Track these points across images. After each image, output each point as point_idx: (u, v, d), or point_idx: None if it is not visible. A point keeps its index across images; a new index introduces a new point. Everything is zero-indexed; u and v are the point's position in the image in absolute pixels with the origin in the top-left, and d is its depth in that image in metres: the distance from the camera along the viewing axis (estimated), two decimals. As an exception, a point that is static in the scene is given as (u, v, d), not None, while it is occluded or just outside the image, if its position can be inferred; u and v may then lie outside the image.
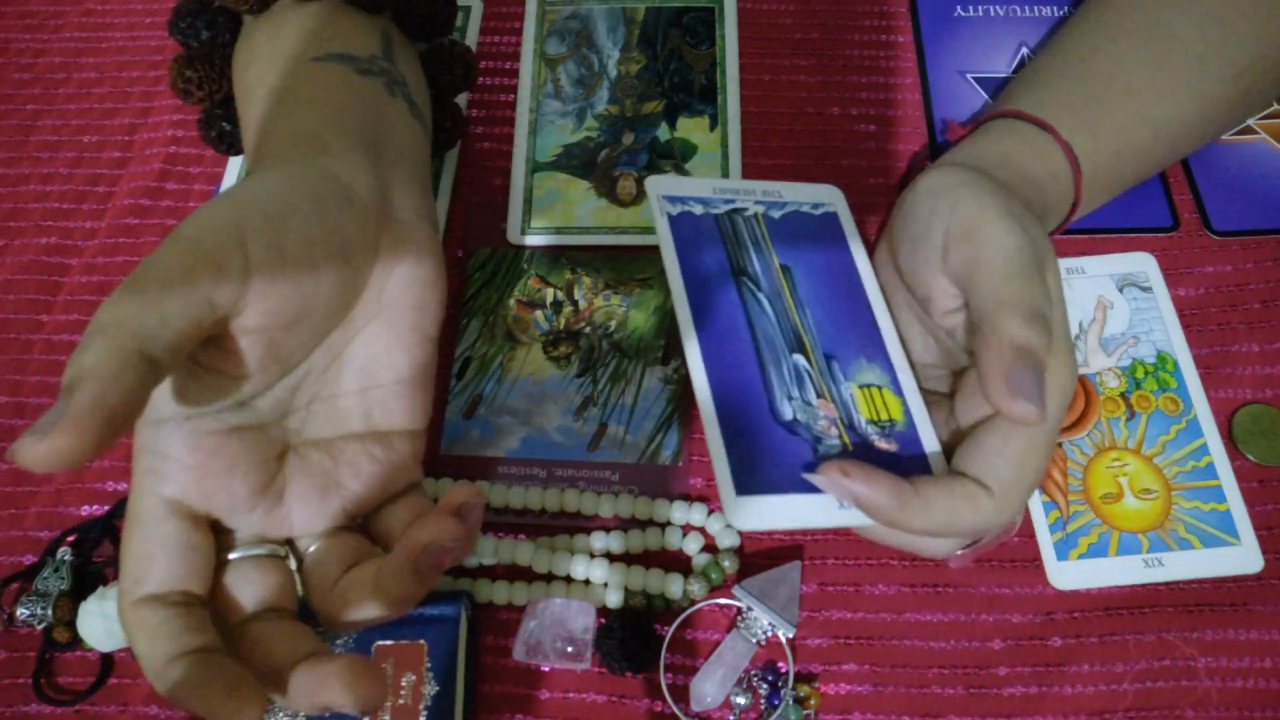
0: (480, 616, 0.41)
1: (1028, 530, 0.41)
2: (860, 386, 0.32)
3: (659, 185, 0.35)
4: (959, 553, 0.35)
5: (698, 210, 0.35)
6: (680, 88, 0.52)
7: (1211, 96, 0.42)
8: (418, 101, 0.40)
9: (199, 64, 0.41)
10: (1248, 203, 0.48)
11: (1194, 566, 0.40)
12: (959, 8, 0.55)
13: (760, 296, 0.33)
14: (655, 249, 0.37)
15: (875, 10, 0.55)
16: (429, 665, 0.37)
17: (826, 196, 0.36)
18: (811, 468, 0.30)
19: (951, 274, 0.33)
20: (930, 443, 0.32)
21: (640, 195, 0.49)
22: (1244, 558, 0.40)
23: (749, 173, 0.50)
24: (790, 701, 0.38)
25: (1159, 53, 0.41)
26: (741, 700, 0.38)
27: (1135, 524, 0.41)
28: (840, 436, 0.31)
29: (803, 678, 0.39)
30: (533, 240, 0.48)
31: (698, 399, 0.30)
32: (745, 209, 0.35)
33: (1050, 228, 0.40)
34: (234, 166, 0.51)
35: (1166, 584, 0.40)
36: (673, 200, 0.34)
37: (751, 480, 0.29)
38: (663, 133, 0.51)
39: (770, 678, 0.39)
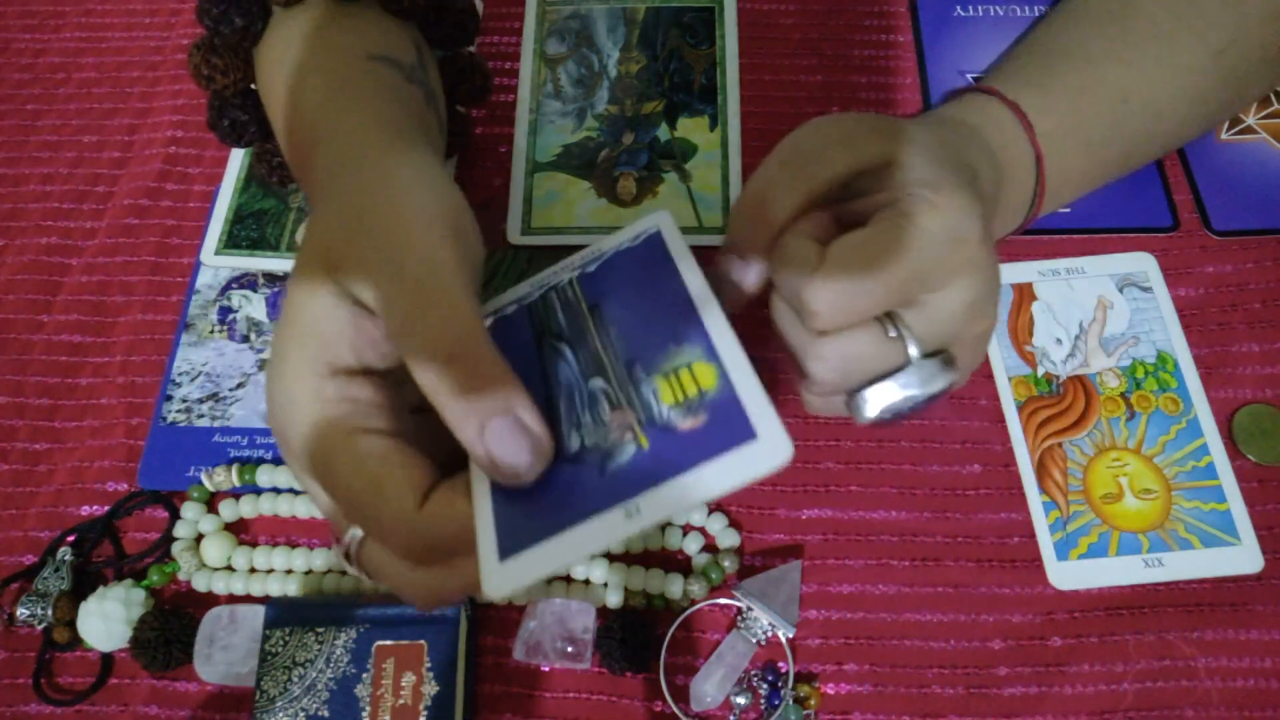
0: (480, 616, 0.41)
1: (1028, 530, 0.41)
2: (663, 375, 0.29)
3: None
4: (867, 395, 0.32)
5: (511, 310, 0.34)
6: (680, 88, 0.52)
7: (1188, 70, 0.42)
8: (442, 115, 0.41)
9: (224, 51, 0.41)
10: (1248, 203, 0.48)
11: (1194, 566, 0.40)
12: (959, 8, 0.55)
13: (560, 346, 0.32)
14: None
15: (875, 10, 0.55)
16: (429, 665, 0.37)
17: (647, 223, 0.35)
18: (594, 490, 0.28)
19: (793, 179, 0.33)
20: (749, 392, 0.28)
21: (640, 195, 0.49)
22: (1244, 558, 0.40)
23: (749, 173, 0.50)
24: (790, 701, 0.38)
25: (1122, 29, 0.42)
26: (741, 700, 0.38)
27: (1135, 524, 0.41)
28: (636, 439, 0.28)
29: (803, 678, 0.39)
30: (533, 240, 0.48)
31: (471, 475, 0.29)
32: (560, 281, 0.34)
33: (1015, 180, 0.40)
34: (234, 167, 0.51)
35: (1166, 584, 0.40)
36: (488, 316, 0.34)
37: (518, 537, 0.27)
38: (663, 133, 0.51)
39: (770, 678, 0.39)
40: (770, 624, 0.39)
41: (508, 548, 0.27)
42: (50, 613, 0.40)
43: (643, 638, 0.39)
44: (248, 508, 0.43)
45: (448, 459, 0.29)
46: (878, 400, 0.32)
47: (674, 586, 0.40)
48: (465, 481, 0.28)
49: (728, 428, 0.28)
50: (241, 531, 0.43)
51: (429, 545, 0.28)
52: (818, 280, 0.29)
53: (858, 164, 0.32)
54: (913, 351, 0.31)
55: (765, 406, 0.27)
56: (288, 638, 0.38)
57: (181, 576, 0.42)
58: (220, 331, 0.47)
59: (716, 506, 0.42)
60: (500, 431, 0.26)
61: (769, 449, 0.27)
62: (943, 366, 0.31)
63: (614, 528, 0.27)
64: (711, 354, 0.29)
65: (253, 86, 0.42)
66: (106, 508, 0.43)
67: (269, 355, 0.30)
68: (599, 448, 0.29)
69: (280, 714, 0.37)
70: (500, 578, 0.27)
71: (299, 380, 0.29)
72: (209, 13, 0.40)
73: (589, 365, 0.31)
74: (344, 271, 0.29)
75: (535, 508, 0.28)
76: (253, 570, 0.42)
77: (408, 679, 0.37)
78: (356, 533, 0.30)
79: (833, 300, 0.29)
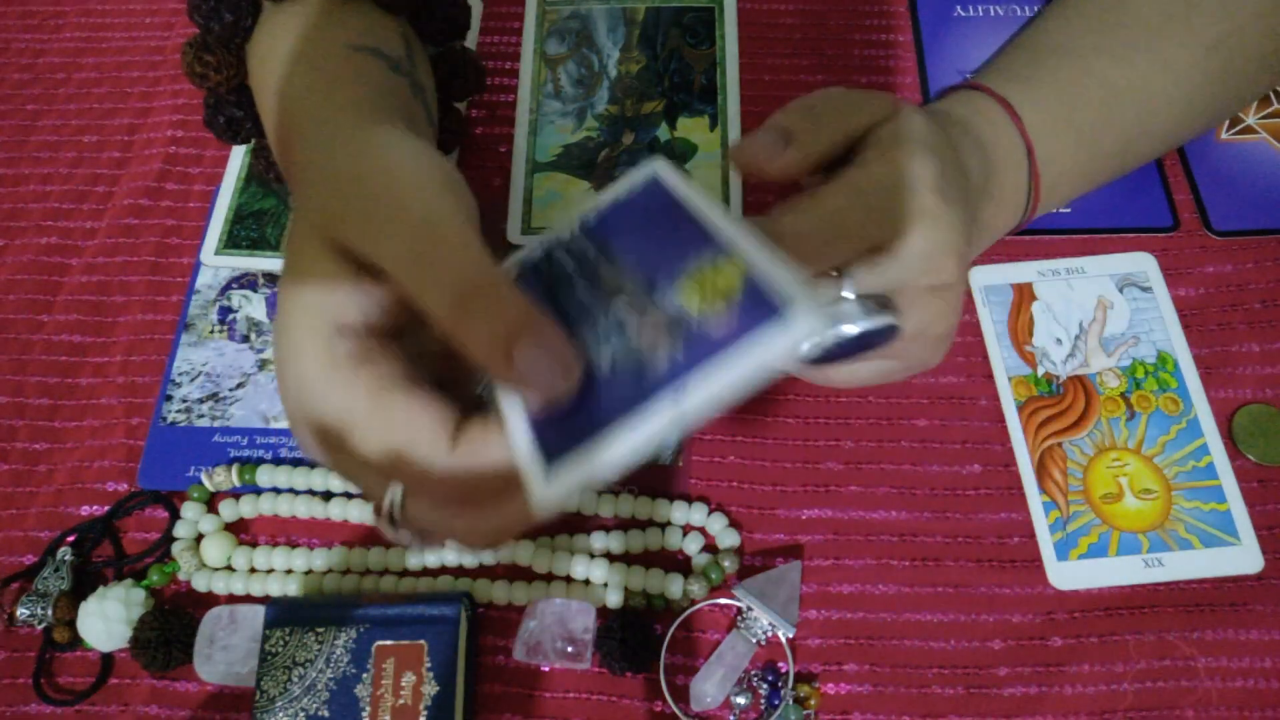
0: (480, 616, 0.41)
1: (1028, 530, 0.41)
2: (686, 279, 0.29)
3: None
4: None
5: (514, 272, 0.33)
6: (680, 88, 0.52)
7: (1181, 65, 0.42)
8: (431, 108, 0.41)
9: (216, 48, 0.41)
10: (1248, 203, 0.48)
11: (1194, 566, 0.40)
12: (959, 8, 0.55)
13: (574, 279, 0.31)
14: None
15: (875, 10, 0.55)
16: (429, 665, 0.37)
17: (646, 171, 0.34)
18: (633, 389, 0.27)
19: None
20: (769, 271, 0.28)
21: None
22: (1244, 558, 0.40)
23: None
24: (790, 701, 0.38)
25: (1113, 25, 0.42)
26: (741, 700, 0.38)
27: (1135, 524, 0.41)
28: (669, 342, 0.28)
29: (803, 678, 0.39)
30: (533, 240, 0.48)
31: (501, 407, 0.28)
32: (563, 238, 0.34)
33: (1007, 174, 0.40)
34: (234, 167, 0.51)
35: (1166, 584, 0.40)
36: (512, 264, 0.34)
37: (563, 440, 0.26)
38: (663, 133, 0.51)
39: (770, 678, 0.39)
40: (770, 624, 0.39)
41: (553, 453, 0.26)
42: (50, 613, 0.40)
43: (643, 638, 0.39)
44: (248, 508, 0.43)
45: (464, 404, 0.29)
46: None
47: (674, 586, 0.40)
48: (494, 415, 0.28)
49: (755, 311, 0.27)
50: (241, 531, 0.43)
51: (471, 485, 0.28)
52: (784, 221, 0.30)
53: (860, 126, 0.33)
54: (846, 292, 0.31)
55: (786, 278, 0.27)
56: (288, 638, 0.38)
57: (181, 576, 0.42)
58: (220, 331, 0.47)
59: (716, 506, 0.42)
60: (529, 354, 0.26)
61: (798, 319, 0.26)
62: (878, 308, 0.31)
63: (660, 415, 0.26)
64: (728, 250, 0.29)
65: (247, 83, 0.43)
66: (106, 508, 0.43)
67: (275, 336, 0.29)
68: (631, 358, 0.28)
69: (280, 714, 0.37)
70: (550, 485, 0.26)
71: (310, 347, 0.28)
72: (199, 9, 0.40)
73: (607, 290, 0.30)
74: (343, 233, 0.28)
75: (575, 418, 0.27)
76: (253, 570, 0.42)
77: (408, 679, 0.37)
78: (396, 494, 0.29)
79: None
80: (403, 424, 0.27)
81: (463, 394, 0.29)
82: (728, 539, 0.41)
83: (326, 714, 0.36)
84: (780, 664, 0.39)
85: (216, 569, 0.42)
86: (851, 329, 0.32)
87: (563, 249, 0.33)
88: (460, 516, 0.29)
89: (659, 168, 0.34)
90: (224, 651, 0.39)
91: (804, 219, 0.30)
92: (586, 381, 0.28)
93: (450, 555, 0.41)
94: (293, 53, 0.38)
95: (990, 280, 0.47)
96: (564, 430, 0.27)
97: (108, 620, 0.39)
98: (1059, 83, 0.41)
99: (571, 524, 0.42)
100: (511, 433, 0.27)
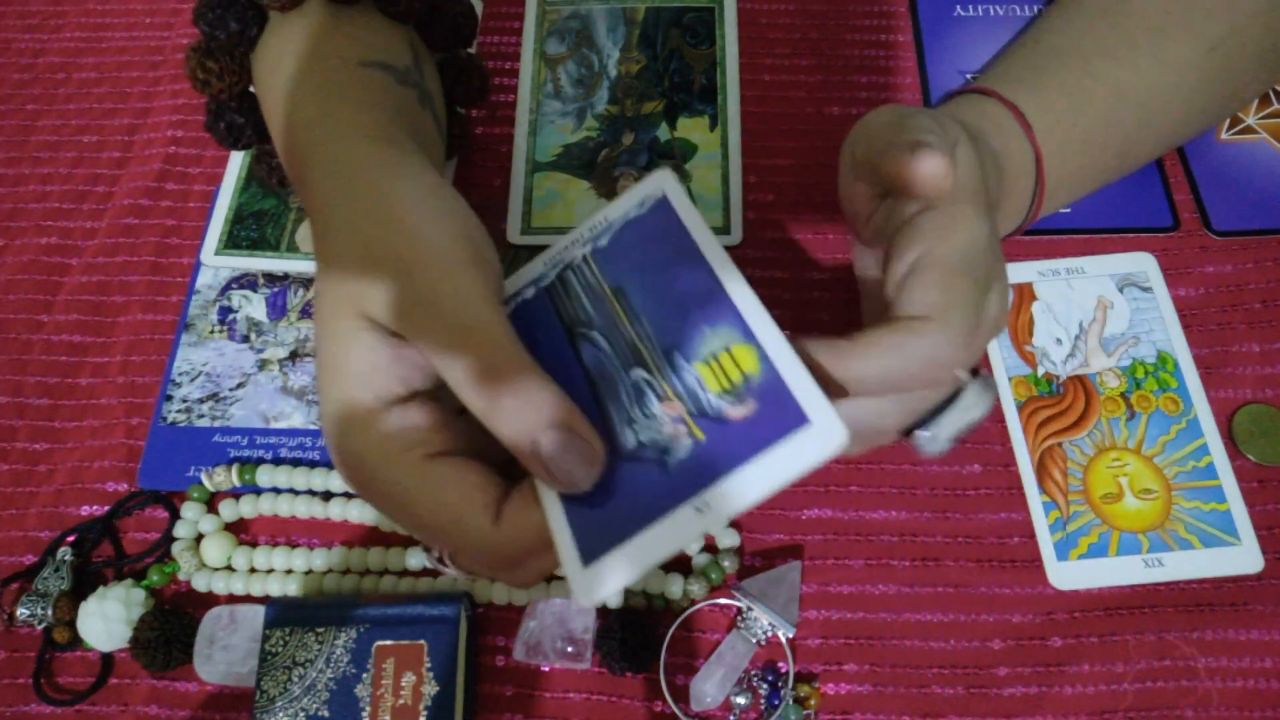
0: (480, 616, 0.41)
1: (1028, 530, 0.41)
2: (704, 362, 0.30)
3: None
4: (931, 432, 0.33)
5: (530, 294, 0.34)
6: (680, 88, 0.52)
7: (1182, 65, 0.42)
8: (440, 114, 0.41)
9: (220, 55, 0.41)
10: (1248, 203, 0.48)
11: (1194, 566, 0.40)
12: (959, 8, 0.55)
13: (593, 335, 0.32)
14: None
15: (875, 10, 0.55)
16: (429, 665, 0.37)
17: (653, 187, 0.34)
18: (660, 487, 0.28)
19: (856, 160, 0.34)
20: (793, 374, 0.28)
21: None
22: (1244, 558, 0.40)
23: (749, 173, 0.50)
24: (790, 701, 0.38)
25: (1114, 25, 0.42)
26: (741, 700, 0.38)
27: (1135, 524, 0.41)
28: (691, 432, 0.29)
29: (803, 678, 0.39)
30: (533, 240, 0.48)
31: (536, 485, 0.30)
32: (574, 259, 0.34)
33: (1017, 182, 0.40)
34: (234, 167, 0.51)
35: (1166, 584, 0.40)
36: (508, 301, 0.35)
37: (596, 541, 0.28)
38: (663, 133, 0.51)
39: (770, 678, 0.39)
40: (770, 624, 0.39)
41: (589, 553, 0.28)
42: (50, 613, 0.40)
43: (643, 638, 0.39)
44: (248, 508, 0.43)
45: (499, 453, 0.31)
46: (945, 432, 0.33)
47: (674, 586, 0.40)
48: (531, 490, 0.30)
49: (780, 414, 0.28)
50: (241, 531, 0.43)
51: (511, 556, 0.30)
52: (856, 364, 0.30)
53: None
54: (962, 377, 0.32)
55: (813, 389, 0.28)
56: (288, 638, 0.38)
57: (181, 576, 0.42)
58: (220, 332, 0.47)
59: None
60: (554, 446, 0.28)
61: (824, 433, 0.27)
62: (985, 382, 0.32)
63: (687, 526, 0.27)
64: (748, 334, 0.29)
65: (250, 90, 0.43)
66: (106, 508, 0.43)
67: (324, 405, 0.31)
68: (655, 443, 0.29)
69: (280, 714, 0.37)
70: (589, 584, 0.28)
71: (356, 423, 0.30)
72: (205, 17, 0.40)
73: (626, 355, 0.31)
74: (375, 311, 0.30)
75: (607, 510, 0.29)
76: (253, 570, 0.42)
77: (408, 679, 0.37)
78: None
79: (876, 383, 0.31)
80: (450, 503, 0.29)
81: (500, 451, 0.30)
82: (727, 539, 0.41)
83: (326, 714, 0.36)
84: (780, 664, 0.39)
85: (216, 569, 0.42)
86: (981, 411, 0.33)
87: (575, 274, 0.34)
88: (503, 572, 0.31)
89: (668, 186, 0.34)
90: (224, 651, 0.39)
91: (854, 370, 0.30)
92: (613, 458, 0.29)
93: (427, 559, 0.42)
94: (300, 68, 0.38)
95: (990, 280, 0.47)
96: (599, 526, 0.28)
97: (108, 620, 0.40)
98: (1065, 86, 0.41)
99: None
100: (548, 514, 0.29)
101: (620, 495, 0.29)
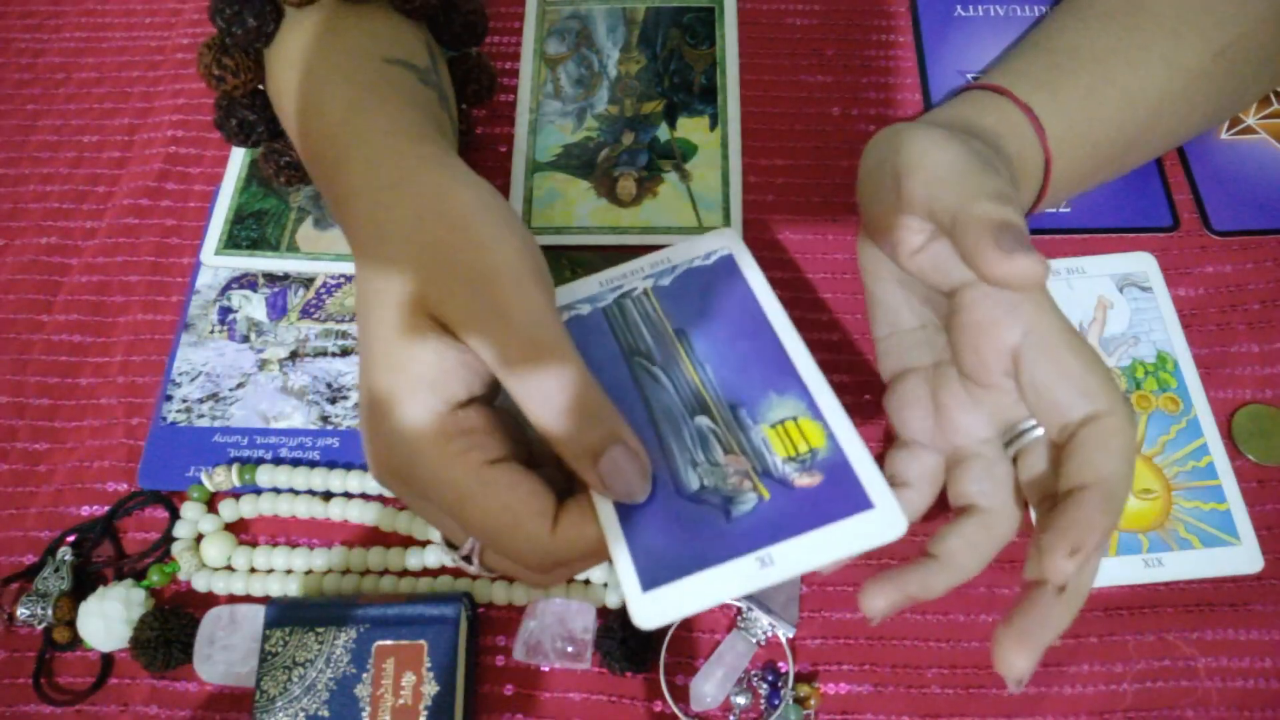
0: (480, 616, 0.41)
1: (1028, 530, 0.41)
2: (772, 426, 0.31)
3: None
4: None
5: (585, 310, 0.35)
6: (680, 88, 0.52)
7: (1190, 70, 0.42)
8: (454, 115, 0.41)
9: (235, 52, 0.41)
10: (1248, 203, 0.48)
11: (1194, 566, 0.40)
12: (959, 8, 0.55)
13: (655, 370, 0.33)
14: (656, 249, 0.37)
15: (875, 10, 0.55)
16: (429, 665, 0.37)
17: (719, 242, 0.36)
18: (724, 534, 0.29)
19: (910, 203, 0.34)
20: (860, 460, 0.30)
21: (640, 195, 0.49)
22: (1244, 558, 0.40)
23: (749, 173, 0.50)
24: (790, 701, 0.38)
25: (1129, 26, 0.42)
26: (741, 700, 0.38)
27: (1135, 524, 0.41)
28: (755, 488, 0.30)
29: (803, 678, 0.39)
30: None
31: (594, 501, 0.30)
32: (634, 289, 0.35)
33: (1025, 186, 0.40)
34: (234, 167, 0.51)
35: (1166, 584, 0.40)
36: (562, 312, 0.35)
37: (657, 570, 0.29)
38: (663, 133, 0.51)
39: (770, 678, 0.39)
40: (770, 624, 0.39)
41: (649, 580, 0.29)
42: (50, 613, 0.40)
43: (643, 638, 0.39)
44: (248, 508, 0.43)
45: (534, 459, 0.32)
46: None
47: (674, 586, 0.40)
48: (587, 502, 0.30)
49: (846, 493, 0.29)
50: (241, 531, 0.43)
51: (562, 563, 0.31)
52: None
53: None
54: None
55: (877, 477, 0.30)
56: (288, 638, 0.38)
57: (181, 576, 0.42)
58: (220, 332, 0.47)
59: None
60: (612, 463, 0.29)
61: (887, 520, 0.29)
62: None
63: (749, 575, 0.29)
64: (816, 411, 0.31)
65: (260, 87, 0.42)
66: (106, 508, 0.43)
67: (370, 399, 0.31)
68: (719, 491, 0.30)
69: (280, 714, 0.37)
70: (648, 609, 0.28)
71: (421, 424, 0.30)
72: (222, 13, 0.39)
73: (690, 399, 0.32)
74: (447, 316, 0.30)
75: (669, 541, 0.30)
76: (253, 570, 0.42)
77: (408, 679, 0.37)
78: (476, 544, 0.33)
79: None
80: (511, 507, 0.30)
81: (553, 456, 0.31)
82: (728, 539, 0.41)
83: (326, 714, 0.36)
84: (780, 664, 0.39)
85: (216, 569, 0.42)
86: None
87: (634, 304, 0.35)
88: (542, 575, 0.32)
89: (734, 246, 0.36)
90: (224, 651, 0.39)
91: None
92: (675, 494, 0.30)
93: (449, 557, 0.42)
94: (324, 64, 0.38)
95: (990, 280, 0.47)
96: (659, 556, 0.29)
97: (108, 620, 0.40)
98: (1079, 89, 0.41)
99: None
100: (606, 529, 0.30)
101: (682, 532, 0.30)
